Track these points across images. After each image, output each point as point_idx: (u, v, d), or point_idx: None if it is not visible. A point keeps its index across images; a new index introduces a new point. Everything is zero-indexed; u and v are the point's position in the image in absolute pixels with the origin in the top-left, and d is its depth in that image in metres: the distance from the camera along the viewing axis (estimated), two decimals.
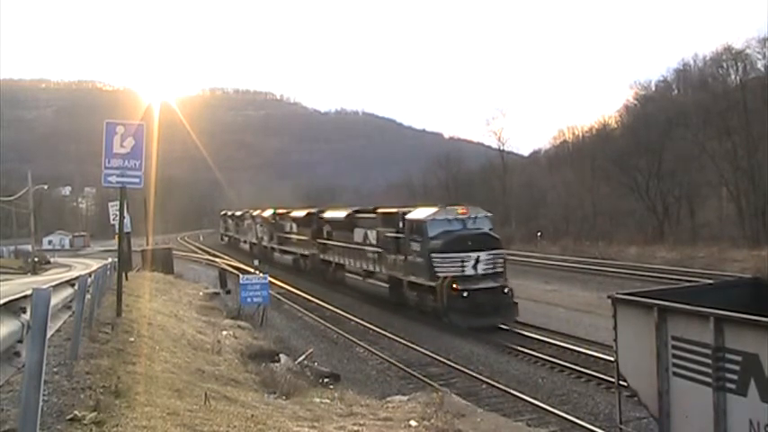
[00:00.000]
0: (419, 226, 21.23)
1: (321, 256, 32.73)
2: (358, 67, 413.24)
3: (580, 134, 73.09)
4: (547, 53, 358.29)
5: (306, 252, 36.01)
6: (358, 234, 27.32)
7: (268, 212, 46.66)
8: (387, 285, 23.90)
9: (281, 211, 44.23)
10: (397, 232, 22.81)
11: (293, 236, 39.29)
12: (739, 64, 49.46)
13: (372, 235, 25.65)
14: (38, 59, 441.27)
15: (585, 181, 57.09)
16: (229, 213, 71.51)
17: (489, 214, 22.56)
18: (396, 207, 25.96)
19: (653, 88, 65.01)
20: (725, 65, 52.06)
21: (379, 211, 26.03)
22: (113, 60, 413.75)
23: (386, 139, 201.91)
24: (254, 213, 52.40)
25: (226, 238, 73.52)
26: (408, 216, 22.35)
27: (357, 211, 29.00)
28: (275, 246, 43.93)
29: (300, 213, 37.99)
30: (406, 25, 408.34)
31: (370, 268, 25.75)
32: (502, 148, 79.19)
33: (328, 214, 32.72)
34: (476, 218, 21.61)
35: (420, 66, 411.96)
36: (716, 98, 46.50)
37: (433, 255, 20.12)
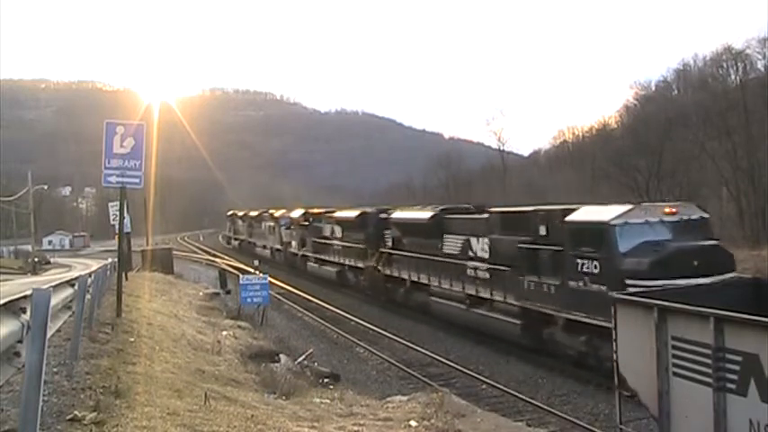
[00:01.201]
0: (598, 233, 13.53)
1: (385, 271, 24.86)
2: (358, 67, 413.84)
3: (580, 134, 73.29)
4: (547, 53, 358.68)
5: (358, 264, 27.92)
6: (451, 242, 20.21)
7: (297, 213, 39.36)
8: (517, 322, 16.07)
9: (315, 210, 37.18)
10: (536, 241, 15.40)
11: (337, 242, 31.39)
12: (739, 64, 49.51)
13: (482, 244, 18.36)
14: (38, 59, 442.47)
15: (585, 181, 57.09)
16: (240, 214, 62.85)
17: (707, 215, 15.05)
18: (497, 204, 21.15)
19: (653, 88, 65.10)
20: (725, 65, 52.10)
21: (495, 210, 18.68)
22: (113, 60, 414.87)
23: (386, 139, 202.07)
24: (277, 214, 44.83)
25: (235, 242, 64.38)
26: (573, 217, 14.59)
27: (447, 210, 22.14)
28: (309, 254, 35.76)
29: (349, 214, 30.65)
30: (406, 25, 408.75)
31: (482, 293, 17.89)
32: (502, 148, 79.39)
33: (398, 215, 25.22)
34: (690, 220, 13.99)
35: (420, 66, 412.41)
36: (716, 98, 46.52)
37: (630, 281, 12.10)
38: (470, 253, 18.95)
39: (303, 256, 36.83)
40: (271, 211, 48.36)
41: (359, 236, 27.99)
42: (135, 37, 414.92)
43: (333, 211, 33.57)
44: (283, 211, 44.57)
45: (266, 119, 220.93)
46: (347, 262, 29.55)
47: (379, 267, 25.28)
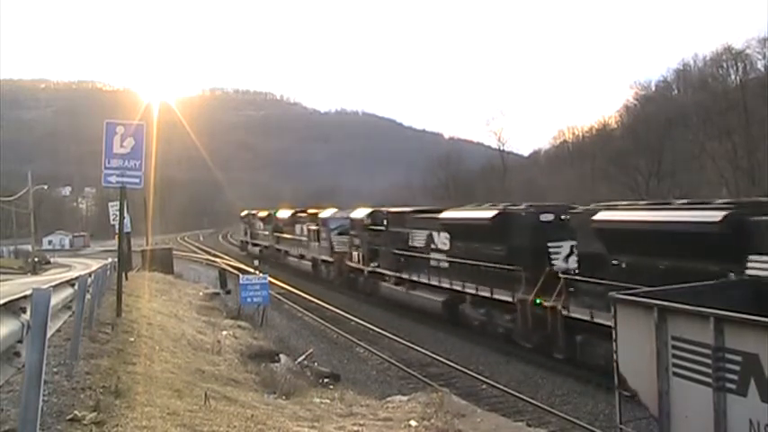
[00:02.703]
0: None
1: (573, 312, 14.07)
2: (358, 67, 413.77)
3: (580, 134, 73.41)
4: (547, 53, 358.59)
5: (497, 294, 17.00)
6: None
7: (361, 212, 28.29)
8: None
9: (394, 210, 26.41)
10: None
11: (442, 257, 20.69)
12: (739, 64, 49.59)
13: None
14: (38, 59, 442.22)
15: (585, 181, 57.13)
16: (261, 214, 50.79)
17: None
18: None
19: (653, 88, 65.22)
20: (725, 65, 52.19)
21: None
22: (113, 60, 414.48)
23: (386, 139, 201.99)
24: (325, 214, 34.13)
25: (254, 249, 51.23)
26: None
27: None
28: (385, 271, 24.78)
29: (473, 214, 19.58)
30: (407, 25, 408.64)
31: None
32: (502, 148, 79.46)
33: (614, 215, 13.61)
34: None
35: (420, 66, 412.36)
36: (716, 98, 46.59)
37: None
38: None
39: (373, 273, 25.77)
40: (311, 211, 37.68)
41: (495, 249, 17.47)
42: (135, 37, 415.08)
43: (436, 211, 22.39)
44: (334, 210, 34.40)
45: (266, 119, 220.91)
46: (469, 289, 18.50)
47: (557, 305, 14.54)
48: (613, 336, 7.19)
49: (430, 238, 21.61)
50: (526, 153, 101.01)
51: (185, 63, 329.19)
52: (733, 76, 50.61)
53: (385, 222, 25.32)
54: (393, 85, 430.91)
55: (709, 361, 5.84)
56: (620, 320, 7.06)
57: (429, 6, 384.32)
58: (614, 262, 13.06)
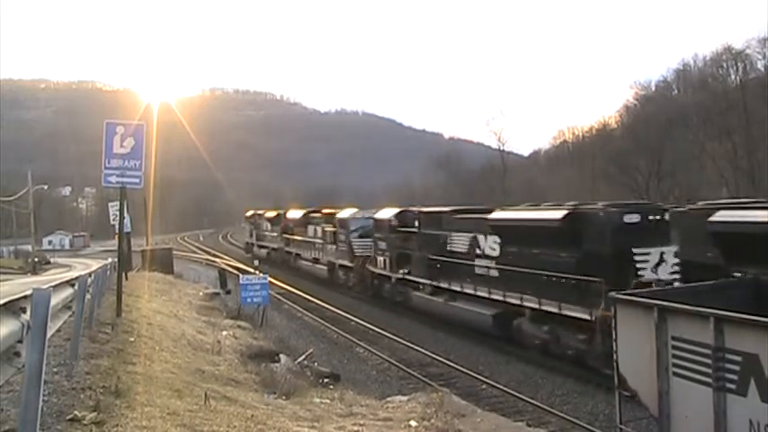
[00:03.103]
0: None
1: None
2: (358, 67, 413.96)
3: (580, 134, 73.46)
4: (546, 53, 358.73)
5: (566, 311, 14.38)
6: None
7: (387, 212, 25.61)
8: None
9: (426, 209, 23.31)
10: None
11: (488, 264, 17.94)
12: (739, 64, 49.61)
13: None
14: (38, 59, 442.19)
15: (585, 181, 57.15)
16: (269, 215, 47.72)
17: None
18: None
19: (653, 88, 65.25)
20: (725, 65, 52.21)
21: None
22: (113, 60, 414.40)
23: (386, 139, 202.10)
24: (344, 214, 31.06)
25: (261, 251, 47.37)
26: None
27: None
28: (417, 278, 21.92)
29: (548, 214, 16.03)
30: (407, 25, 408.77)
31: None
32: (502, 148, 79.43)
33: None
34: None
35: (420, 66, 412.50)
36: (716, 98, 46.61)
37: None
38: None
39: (403, 280, 23.05)
40: (327, 211, 35.06)
41: (563, 255, 14.79)
42: (135, 37, 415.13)
43: (481, 211, 19.43)
44: (354, 211, 31.59)
45: (266, 119, 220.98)
46: (529, 302, 15.63)
47: None
48: (614, 336, 7.19)
49: (474, 242, 18.60)
50: (526, 153, 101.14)
51: (185, 63, 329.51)
52: (733, 76, 50.67)
53: (416, 224, 22.62)
54: (393, 85, 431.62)
55: (709, 361, 5.84)
56: (620, 320, 7.06)
57: (429, 6, 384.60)
58: (736, 274, 10.61)
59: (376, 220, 26.16)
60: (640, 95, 64.86)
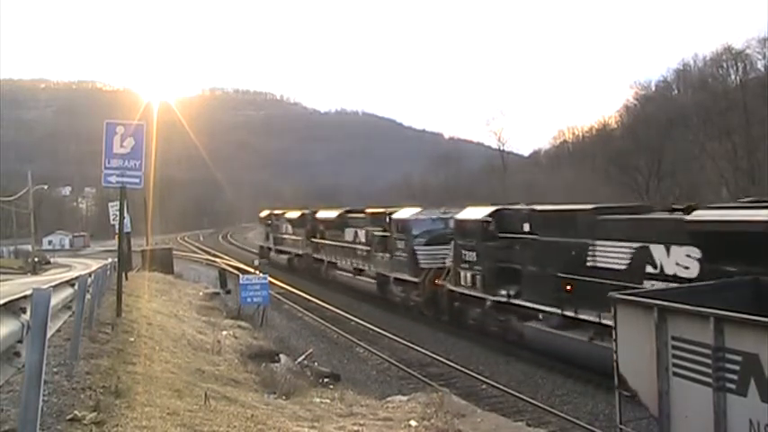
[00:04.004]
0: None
1: None
2: (358, 67, 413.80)
3: (580, 134, 73.58)
4: (546, 53, 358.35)
5: None
6: None
7: (475, 212, 19.05)
8: None
9: (550, 208, 16.55)
10: None
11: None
12: (739, 64, 49.67)
13: None
14: (38, 59, 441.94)
15: (585, 181, 57.16)
16: (290, 215, 40.56)
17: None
18: None
19: (653, 88, 65.31)
20: (725, 65, 52.26)
21: None
22: (113, 60, 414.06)
23: (386, 139, 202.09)
24: (403, 214, 23.93)
25: (281, 257, 41.10)
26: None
27: None
28: (554, 309, 14.58)
29: None
30: (407, 25, 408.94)
31: None
32: (502, 148, 79.57)
33: None
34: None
35: (420, 66, 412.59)
36: (716, 98, 46.65)
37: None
38: None
39: (504, 306, 16.81)
40: (373, 210, 27.88)
41: None
42: (135, 37, 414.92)
43: (638, 210, 14.47)
44: (416, 210, 24.02)
45: (266, 119, 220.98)
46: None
47: None
48: (613, 336, 7.19)
49: (644, 256, 12.65)
50: (526, 153, 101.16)
51: (185, 63, 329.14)
52: (733, 76, 50.75)
53: (527, 227, 16.20)
54: (393, 85, 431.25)
55: (709, 361, 5.84)
56: (620, 320, 7.06)
57: (429, 6, 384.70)
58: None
59: (459, 223, 19.62)
60: (640, 95, 64.98)
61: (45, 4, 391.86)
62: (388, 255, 24.26)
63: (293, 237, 38.92)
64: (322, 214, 34.83)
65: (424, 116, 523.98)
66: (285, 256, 40.33)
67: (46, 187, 73.28)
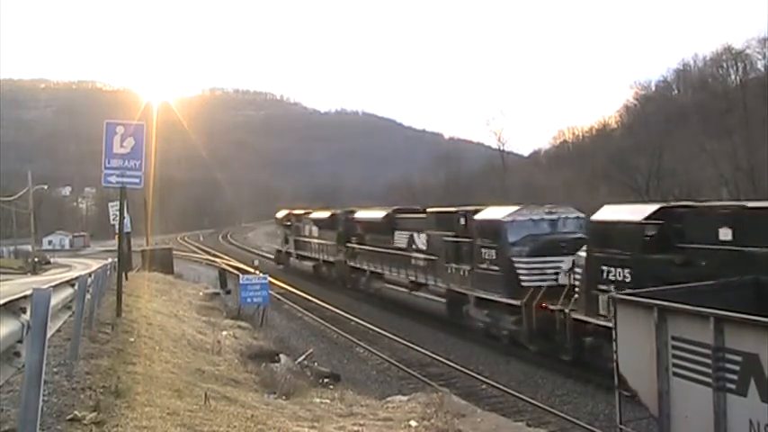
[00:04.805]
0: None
1: None
2: (358, 67, 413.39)
3: (580, 134, 73.61)
4: (546, 53, 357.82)
5: None
6: None
7: (622, 212, 13.60)
8: None
9: (753, 204, 11.11)
10: None
11: None
12: (739, 64, 49.70)
13: None
14: (38, 59, 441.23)
15: (585, 181, 57.17)
16: (316, 216, 35.65)
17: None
18: None
19: (653, 88, 65.41)
20: (725, 65, 52.31)
21: None
22: (113, 60, 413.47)
23: (386, 139, 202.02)
24: (490, 216, 18.11)
25: (305, 264, 36.22)
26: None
27: None
28: None
29: None
30: (407, 26, 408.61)
31: None
32: (502, 148, 79.58)
33: None
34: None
35: (420, 66, 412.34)
36: (716, 98, 46.67)
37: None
38: None
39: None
40: (438, 210, 22.40)
41: None
42: (135, 37, 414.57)
43: None
44: (512, 209, 17.90)
45: (266, 119, 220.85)
46: None
47: None
48: (613, 336, 7.19)
49: None
50: (526, 153, 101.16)
51: (185, 63, 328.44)
52: (733, 76, 50.81)
53: (728, 235, 10.51)
54: (393, 85, 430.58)
55: (709, 361, 5.85)
56: (620, 320, 7.06)
57: (429, 6, 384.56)
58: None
59: (598, 226, 13.84)
60: (640, 95, 65.07)
61: (45, 4, 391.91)
62: (466, 267, 18.82)
63: (320, 241, 33.66)
64: (362, 214, 29.74)
65: (424, 116, 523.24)
66: (310, 263, 35.18)
67: (46, 187, 73.24)
